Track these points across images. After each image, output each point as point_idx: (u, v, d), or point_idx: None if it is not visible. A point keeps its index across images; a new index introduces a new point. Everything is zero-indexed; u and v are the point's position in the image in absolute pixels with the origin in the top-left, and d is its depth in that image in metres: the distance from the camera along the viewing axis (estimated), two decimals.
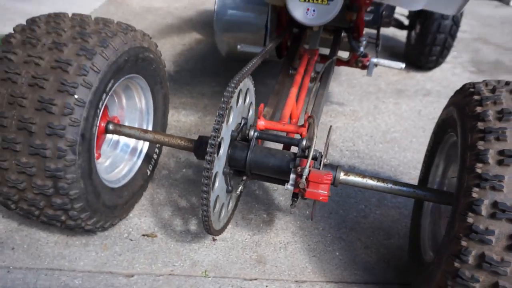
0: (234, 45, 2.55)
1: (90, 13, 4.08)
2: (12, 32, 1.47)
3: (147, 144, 1.89)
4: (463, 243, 1.10)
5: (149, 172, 1.92)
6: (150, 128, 1.89)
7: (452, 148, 1.54)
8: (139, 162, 1.87)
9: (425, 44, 3.26)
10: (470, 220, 1.09)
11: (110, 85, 1.47)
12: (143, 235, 1.77)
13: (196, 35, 3.91)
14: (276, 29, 2.34)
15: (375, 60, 2.44)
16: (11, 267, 1.58)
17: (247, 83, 1.58)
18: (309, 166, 1.35)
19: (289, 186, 1.40)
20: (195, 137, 1.67)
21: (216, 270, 1.65)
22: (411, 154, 2.46)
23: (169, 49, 3.53)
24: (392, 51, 3.86)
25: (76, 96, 1.33)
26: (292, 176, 1.40)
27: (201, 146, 1.59)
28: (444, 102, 3.05)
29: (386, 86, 3.26)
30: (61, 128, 1.32)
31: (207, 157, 1.31)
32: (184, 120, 2.60)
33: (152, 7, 4.51)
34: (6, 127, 1.34)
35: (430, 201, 1.55)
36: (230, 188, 1.57)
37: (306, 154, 1.44)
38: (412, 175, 2.28)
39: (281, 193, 2.07)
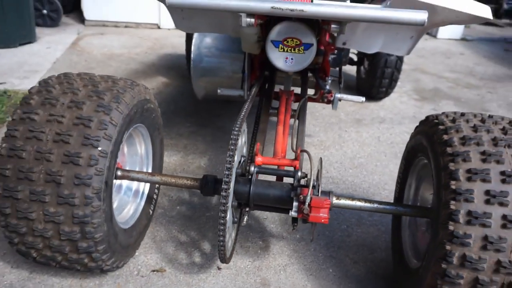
0: (210, 88, 2.77)
1: (53, 63, 4.18)
2: (28, 94, 1.60)
3: (147, 186, 2.04)
4: (447, 247, 1.34)
5: (151, 212, 2.05)
6: (149, 171, 2.04)
7: (422, 169, 1.82)
8: (142, 203, 2.00)
9: (375, 78, 3.65)
10: (451, 227, 1.34)
11: (124, 135, 1.63)
12: (153, 271, 1.89)
13: (162, 78, 4.09)
14: (251, 72, 2.59)
15: (339, 95, 2.73)
16: None
17: (244, 125, 1.79)
18: (310, 194, 1.56)
19: (293, 213, 1.61)
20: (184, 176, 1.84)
21: None
22: (378, 177, 2.75)
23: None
24: (345, 85, 4.23)
25: (99, 148, 1.48)
26: (295, 203, 1.61)
27: (206, 184, 1.76)
28: (398, 127, 3.45)
29: (345, 117, 3.59)
30: (88, 178, 1.45)
31: (223, 193, 1.50)
32: (168, 160, 2.74)
33: (114, 54, 4.65)
34: (34, 181, 1.45)
35: (411, 216, 1.81)
36: (235, 219, 1.75)
37: (304, 183, 1.65)
38: (383, 195, 2.56)
39: (271, 221, 2.26)
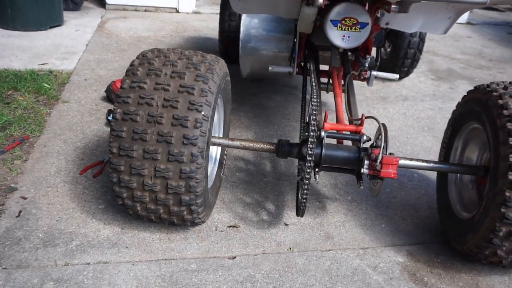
0: (257, 67, 2.97)
1: (86, 45, 4.33)
2: (131, 66, 1.80)
3: (219, 151, 2.26)
4: (507, 193, 1.59)
5: (222, 175, 2.28)
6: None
7: (470, 133, 2.06)
8: (216, 167, 2.22)
9: (399, 58, 3.87)
10: (510, 177, 1.59)
11: (216, 103, 1.84)
12: (228, 226, 2.12)
13: None
14: (299, 50, 2.79)
15: (375, 73, 2.95)
16: (133, 261, 1.87)
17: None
18: (381, 152, 1.80)
19: (364, 170, 1.84)
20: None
21: (297, 246, 2.04)
22: (410, 147, 3.00)
23: None
24: None
25: (203, 113, 1.69)
26: (366, 162, 1.84)
27: (282, 148, 1.99)
28: (420, 104, 3.69)
29: (371, 95, 3.82)
30: (195, 138, 1.67)
31: (309, 152, 1.73)
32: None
33: (141, 37, 4.81)
34: (147, 141, 1.67)
35: (465, 173, 2.05)
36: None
37: (374, 144, 1.89)
38: None
39: (323, 185, 2.50)
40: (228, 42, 3.90)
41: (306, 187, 1.77)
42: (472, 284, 1.89)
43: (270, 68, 2.74)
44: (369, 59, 2.84)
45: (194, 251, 1.95)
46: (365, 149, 1.91)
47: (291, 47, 2.87)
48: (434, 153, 2.97)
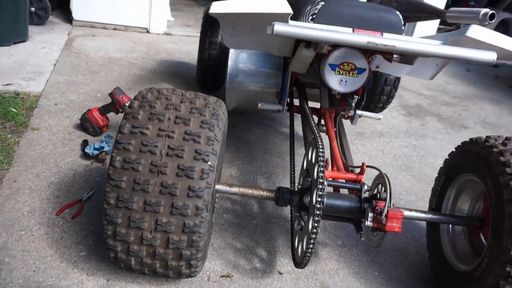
0: (242, 101, 2.92)
1: (54, 64, 4.11)
2: (130, 108, 1.68)
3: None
4: None
5: (213, 220, 2.17)
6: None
7: (464, 184, 2.09)
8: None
9: (375, 94, 3.94)
10: None
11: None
12: (222, 276, 2.01)
13: (168, 85, 4.14)
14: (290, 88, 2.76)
15: (359, 112, 2.98)
16: None
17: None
18: (387, 206, 1.77)
19: (368, 223, 1.81)
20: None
21: None
22: (392, 188, 3.02)
23: None
24: None
25: (209, 163, 1.60)
26: (371, 214, 1.81)
27: (282, 196, 1.93)
28: (396, 141, 3.76)
29: (348, 130, 3.84)
30: (200, 190, 1.57)
31: (318, 206, 1.67)
32: None
33: (112, 58, 4.63)
34: (149, 193, 1.55)
35: (462, 225, 2.07)
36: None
37: (377, 196, 1.86)
38: (400, 204, 2.83)
39: None
40: (207, 71, 3.83)
41: (314, 236, 1.70)
42: None
43: (259, 105, 2.69)
44: (356, 99, 2.86)
45: None
46: (368, 200, 1.88)
47: (280, 83, 2.84)
48: (414, 194, 3.01)
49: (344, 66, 2.22)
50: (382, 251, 2.37)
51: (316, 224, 1.68)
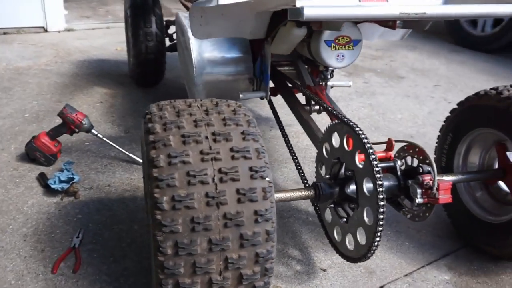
0: (213, 94, 2.65)
1: None
2: (154, 135, 1.38)
3: None
4: None
5: None
6: None
7: (475, 138, 2.11)
8: None
9: None
10: None
11: None
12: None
13: (101, 89, 3.67)
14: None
15: (330, 83, 2.89)
16: None
17: None
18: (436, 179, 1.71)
19: (419, 199, 1.74)
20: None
21: None
22: None
23: (97, 109, 3.26)
24: None
25: (267, 179, 1.38)
26: (419, 190, 1.74)
27: (322, 192, 1.77)
28: (352, 103, 3.76)
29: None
30: (268, 212, 1.35)
31: (381, 196, 1.55)
32: None
33: (20, 68, 3.97)
34: (212, 230, 1.29)
35: (492, 179, 2.09)
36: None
37: (421, 171, 1.78)
38: None
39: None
40: (146, 66, 3.44)
41: (380, 229, 1.58)
42: None
43: (241, 96, 2.46)
44: (330, 71, 2.75)
45: None
46: (408, 176, 1.80)
47: (251, 68, 2.62)
48: None
49: (339, 40, 2.08)
50: (401, 220, 2.35)
51: (382, 216, 1.57)
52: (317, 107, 2.46)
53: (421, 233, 2.26)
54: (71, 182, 2.29)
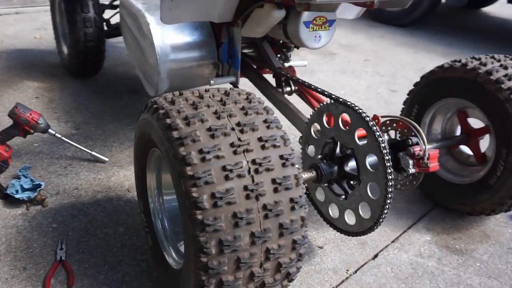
0: (177, 82, 2.53)
1: None
2: (178, 131, 1.29)
3: None
4: None
5: None
6: None
7: (440, 108, 2.29)
8: None
9: None
10: None
11: None
12: None
13: (34, 83, 3.32)
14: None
15: (287, 64, 2.90)
16: None
17: None
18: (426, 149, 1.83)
19: (411, 170, 1.85)
20: None
21: (349, 265, 1.94)
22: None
23: (35, 106, 2.94)
24: None
25: (297, 166, 1.38)
26: (410, 161, 1.85)
27: (323, 173, 1.80)
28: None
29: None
30: (302, 199, 1.35)
31: (389, 170, 1.62)
32: None
33: None
34: (254, 223, 1.26)
35: (458, 145, 2.28)
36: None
37: (409, 143, 1.89)
38: None
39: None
40: (87, 55, 3.17)
41: (389, 202, 1.66)
42: (483, 235, 2.19)
43: (212, 82, 2.38)
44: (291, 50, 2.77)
45: None
46: (398, 148, 1.90)
47: (216, 51, 2.54)
48: None
49: (316, 21, 2.10)
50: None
51: (391, 189, 1.65)
52: (288, 88, 2.47)
53: (395, 201, 2.42)
54: (38, 189, 2.07)
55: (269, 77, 2.56)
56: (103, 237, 1.94)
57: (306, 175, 1.80)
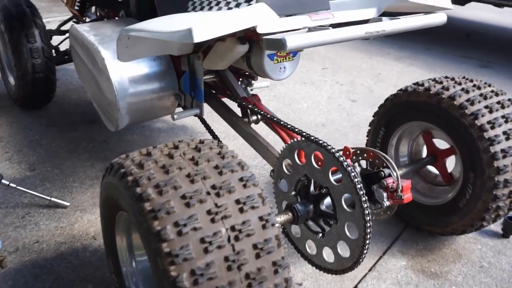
0: (137, 115, 2.42)
1: None
2: (150, 203, 1.20)
3: None
4: (496, 178, 1.91)
5: None
6: None
7: (405, 131, 2.31)
8: None
9: None
10: (495, 165, 1.90)
11: None
12: None
13: None
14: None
15: (249, 88, 2.84)
16: None
17: None
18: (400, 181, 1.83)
19: (386, 202, 1.84)
20: None
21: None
22: None
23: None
24: None
25: (276, 225, 1.32)
26: (384, 194, 1.84)
27: (299, 214, 1.76)
28: (270, 102, 3.79)
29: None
30: (285, 260, 1.30)
31: (367, 211, 1.61)
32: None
33: None
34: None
35: (425, 166, 2.30)
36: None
37: (382, 175, 1.88)
38: None
39: None
40: (36, 86, 2.99)
41: (368, 237, 1.65)
42: (455, 254, 2.23)
43: (175, 116, 2.29)
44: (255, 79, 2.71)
45: None
46: (369, 180, 1.89)
47: (176, 82, 2.44)
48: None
49: (280, 52, 2.05)
50: None
51: (369, 230, 1.63)
52: (254, 117, 2.42)
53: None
54: None
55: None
56: None
57: (282, 218, 1.75)
